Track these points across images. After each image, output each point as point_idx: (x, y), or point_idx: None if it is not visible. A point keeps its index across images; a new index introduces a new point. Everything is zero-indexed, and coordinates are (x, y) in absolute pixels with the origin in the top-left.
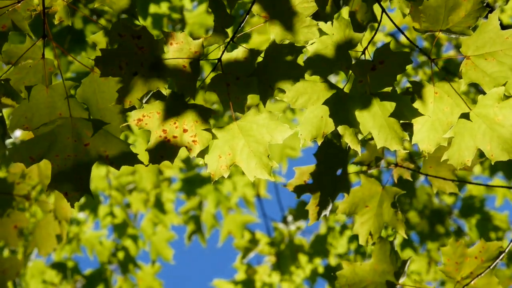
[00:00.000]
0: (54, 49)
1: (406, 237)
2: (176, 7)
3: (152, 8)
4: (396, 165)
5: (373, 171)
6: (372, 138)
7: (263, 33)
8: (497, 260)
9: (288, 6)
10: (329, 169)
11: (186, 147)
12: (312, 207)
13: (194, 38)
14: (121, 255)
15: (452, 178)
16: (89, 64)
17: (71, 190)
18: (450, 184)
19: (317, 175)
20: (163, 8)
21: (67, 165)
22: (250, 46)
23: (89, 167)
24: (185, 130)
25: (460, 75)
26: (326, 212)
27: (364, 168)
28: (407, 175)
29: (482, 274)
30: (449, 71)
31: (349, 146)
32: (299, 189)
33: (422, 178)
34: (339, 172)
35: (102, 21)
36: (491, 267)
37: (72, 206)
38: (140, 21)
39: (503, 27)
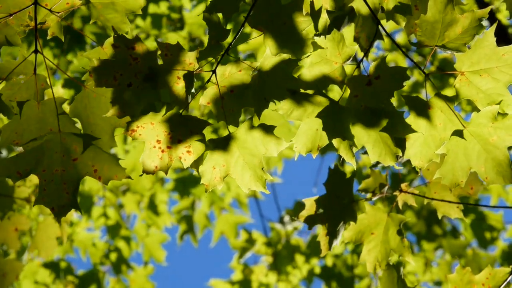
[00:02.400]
0: (45, 63)
1: (413, 263)
2: (175, 7)
3: (151, 8)
4: (401, 191)
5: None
6: (375, 165)
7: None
8: (503, 286)
9: (283, 20)
10: (337, 198)
11: (180, 157)
12: (323, 237)
13: (193, 38)
14: (114, 256)
15: (457, 202)
16: (87, 64)
17: (58, 205)
18: (455, 209)
19: (326, 204)
20: (162, 8)
21: (54, 180)
22: (249, 46)
23: (77, 182)
24: (179, 141)
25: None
26: (337, 241)
27: (369, 195)
28: (411, 201)
29: None
30: (444, 71)
31: (353, 174)
32: (311, 220)
33: (418, 179)
34: (345, 200)
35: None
36: None
37: (59, 221)
38: (139, 23)
39: (502, 27)
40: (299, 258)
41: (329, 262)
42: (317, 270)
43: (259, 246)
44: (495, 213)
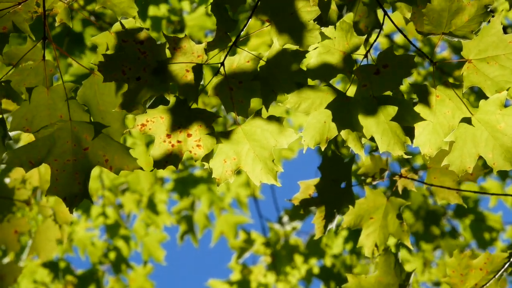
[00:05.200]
0: (54, 50)
1: (412, 248)
2: (175, 9)
3: (152, 11)
4: (401, 176)
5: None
6: (375, 150)
7: (261, 36)
8: (502, 271)
9: (290, 11)
10: (334, 182)
11: (190, 151)
12: (318, 220)
13: (193, 41)
14: (113, 255)
15: (455, 188)
16: (88, 66)
17: (70, 195)
18: (454, 194)
19: (321, 188)
20: (163, 10)
21: (66, 170)
22: (248, 49)
23: (88, 172)
24: (189, 135)
25: (461, 79)
26: (332, 225)
27: (369, 179)
28: (411, 186)
29: (487, 285)
30: (443, 72)
31: (351, 159)
32: (305, 203)
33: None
34: (343, 184)
35: (100, 23)
36: (496, 277)
37: (71, 211)
38: (140, 24)
39: (502, 27)
40: (298, 258)
41: (328, 262)
42: (316, 270)
43: (258, 246)
44: (494, 214)
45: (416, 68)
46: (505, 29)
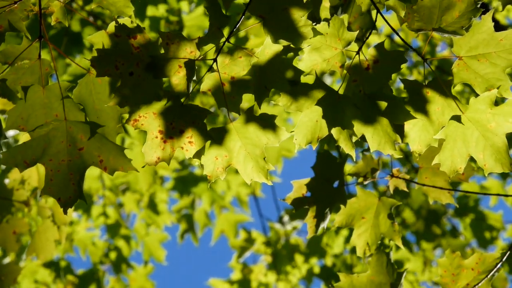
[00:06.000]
0: (50, 51)
1: (403, 247)
2: (173, 9)
3: (150, 11)
4: (392, 176)
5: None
6: (367, 150)
7: (260, 36)
8: (493, 271)
9: (283, 7)
10: (326, 182)
11: (182, 148)
12: (310, 219)
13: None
14: (113, 255)
15: (448, 188)
16: (86, 66)
17: (65, 196)
18: (446, 194)
19: (314, 188)
20: (161, 10)
21: (61, 170)
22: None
23: (83, 172)
24: (181, 131)
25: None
26: (324, 224)
27: (360, 179)
28: (403, 186)
29: (479, 285)
30: (444, 71)
31: (344, 158)
32: (297, 202)
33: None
34: (335, 184)
35: (99, 23)
36: (488, 277)
37: (65, 212)
38: (138, 23)
39: (500, 26)
40: (299, 258)
41: (329, 261)
42: (317, 269)
43: (258, 246)
44: (494, 213)
45: (416, 67)
46: (505, 29)
